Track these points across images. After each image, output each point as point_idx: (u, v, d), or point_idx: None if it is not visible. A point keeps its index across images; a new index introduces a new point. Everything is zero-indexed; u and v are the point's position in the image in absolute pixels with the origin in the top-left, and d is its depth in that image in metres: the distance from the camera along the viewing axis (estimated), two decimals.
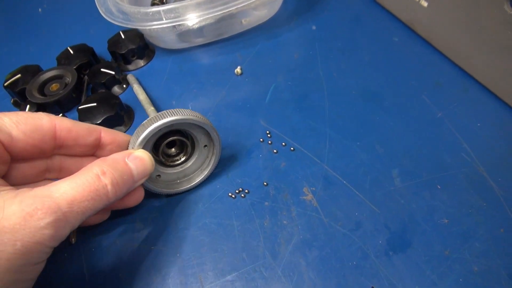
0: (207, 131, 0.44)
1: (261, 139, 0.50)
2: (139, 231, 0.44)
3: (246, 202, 0.45)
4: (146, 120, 0.41)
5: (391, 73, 0.55)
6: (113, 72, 0.59)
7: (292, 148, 0.49)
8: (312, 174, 0.46)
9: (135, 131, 0.41)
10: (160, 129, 0.40)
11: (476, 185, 0.42)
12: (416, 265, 0.38)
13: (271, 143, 0.50)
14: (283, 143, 0.49)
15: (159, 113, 0.41)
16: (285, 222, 0.42)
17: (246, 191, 0.46)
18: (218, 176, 0.48)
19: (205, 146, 0.46)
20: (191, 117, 0.41)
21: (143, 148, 0.41)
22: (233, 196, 0.45)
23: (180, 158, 0.47)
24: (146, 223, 0.45)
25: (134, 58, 0.64)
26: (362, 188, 0.44)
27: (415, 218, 0.41)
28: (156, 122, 0.40)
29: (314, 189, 0.45)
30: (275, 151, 0.49)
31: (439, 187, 0.43)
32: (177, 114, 0.40)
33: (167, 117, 0.40)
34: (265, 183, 0.46)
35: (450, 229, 0.39)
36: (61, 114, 0.55)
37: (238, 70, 0.60)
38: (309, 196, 0.44)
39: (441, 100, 0.51)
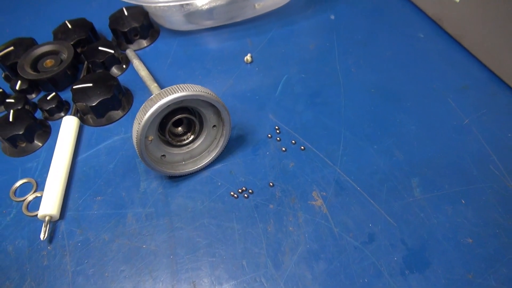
0: (217, 110, 0.41)
1: (269, 135, 0.46)
2: (130, 227, 0.40)
3: (249, 204, 0.41)
4: (154, 95, 0.37)
5: (414, 72, 0.51)
6: (112, 51, 0.54)
7: (302, 147, 0.45)
8: (323, 178, 0.42)
9: (142, 106, 0.37)
10: (169, 105, 0.37)
11: (504, 203, 0.38)
12: None
13: (280, 140, 0.46)
14: (293, 141, 0.45)
15: (168, 88, 0.38)
16: (291, 228, 0.39)
17: (250, 191, 0.42)
18: (220, 172, 0.44)
19: (214, 126, 0.43)
20: (202, 93, 0.38)
21: (149, 125, 0.37)
22: (235, 195, 0.42)
23: (187, 138, 0.43)
24: (139, 218, 0.41)
25: (137, 38, 0.59)
26: (378, 197, 0.40)
27: (435, 235, 0.37)
28: (166, 97, 0.36)
29: (324, 194, 0.41)
30: (283, 149, 0.45)
31: (463, 202, 0.39)
32: (187, 90, 0.37)
33: (177, 92, 0.37)
34: (271, 184, 0.42)
35: (474, 250, 0.36)
36: (54, 93, 0.51)
37: (248, 57, 0.55)
38: (319, 202, 0.40)
39: (468, 104, 0.46)
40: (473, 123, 0.45)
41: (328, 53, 0.55)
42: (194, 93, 0.38)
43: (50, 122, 0.51)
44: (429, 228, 0.37)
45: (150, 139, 0.40)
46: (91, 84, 0.49)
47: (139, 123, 0.37)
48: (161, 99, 0.37)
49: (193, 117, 0.41)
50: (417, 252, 0.36)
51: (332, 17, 0.60)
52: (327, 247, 0.37)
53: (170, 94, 0.37)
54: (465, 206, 0.38)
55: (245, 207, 0.41)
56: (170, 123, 0.40)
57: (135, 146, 0.38)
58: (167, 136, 0.41)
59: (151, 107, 0.37)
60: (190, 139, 0.43)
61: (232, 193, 0.42)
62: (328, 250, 0.37)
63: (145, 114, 0.37)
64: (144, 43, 0.60)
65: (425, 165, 0.42)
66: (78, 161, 0.47)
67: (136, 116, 0.38)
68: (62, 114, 0.51)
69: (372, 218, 0.39)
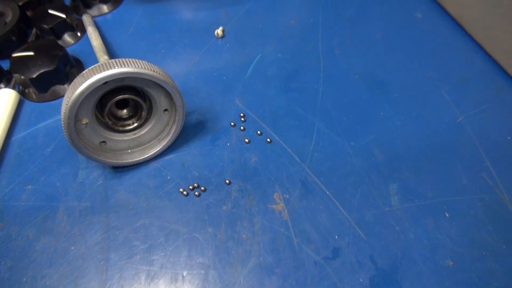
0: (168, 92, 0.34)
1: (232, 123, 0.40)
2: (60, 224, 0.35)
3: (200, 203, 0.35)
4: (86, 70, 0.31)
5: (406, 57, 0.44)
6: (63, 16, 0.47)
7: (268, 139, 0.39)
8: (288, 177, 0.36)
9: (73, 82, 0.32)
10: (107, 82, 0.31)
11: (495, 219, 0.32)
12: None
13: (244, 129, 0.40)
14: (259, 131, 0.39)
15: (107, 61, 0.32)
16: (244, 236, 0.33)
17: (202, 188, 0.36)
18: (171, 164, 0.38)
19: (166, 110, 0.37)
20: (148, 71, 0.32)
21: (80, 106, 0.31)
22: (185, 192, 0.36)
23: (133, 123, 0.37)
24: (71, 213, 0.35)
25: (97, 2, 0.52)
26: (349, 203, 0.34)
27: (410, 254, 0.31)
28: (101, 72, 0.31)
29: (287, 196, 0.35)
30: (247, 140, 0.39)
31: (447, 215, 0.33)
32: (130, 65, 0.31)
33: (117, 67, 0.31)
34: (227, 181, 0.36)
35: (454, 275, 0.30)
36: None
37: (219, 31, 0.48)
38: (280, 206, 0.34)
39: (465, 100, 0.40)
40: (468, 121, 0.38)
41: (310, 30, 0.48)
42: (138, 70, 0.31)
43: None
44: (404, 244, 0.32)
45: (84, 122, 0.33)
46: (32, 53, 0.42)
47: (66, 104, 0.31)
48: (93, 75, 0.31)
49: (139, 99, 0.35)
50: (387, 273, 0.31)
51: None
52: (284, 261, 0.32)
53: (107, 69, 0.31)
54: (449, 220, 0.33)
55: (194, 207, 0.35)
56: (110, 104, 0.34)
57: (63, 130, 0.32)
58: (107, 119, 0.35)
59: (80, 84, 0.30)
60: (136, 124, 0.37)
61: (181, 189, 0.36)
62: (284, 264, 0.31)
63: (73, 93, 0.31)
64: (105, 8, 0.53)
65: (407, 169, 0.36)
66: (12, 142, 0.41)
67: (65, 94, 0.32)
68: (2, 86, 0.45)
69: (339, 229, 0.33)
